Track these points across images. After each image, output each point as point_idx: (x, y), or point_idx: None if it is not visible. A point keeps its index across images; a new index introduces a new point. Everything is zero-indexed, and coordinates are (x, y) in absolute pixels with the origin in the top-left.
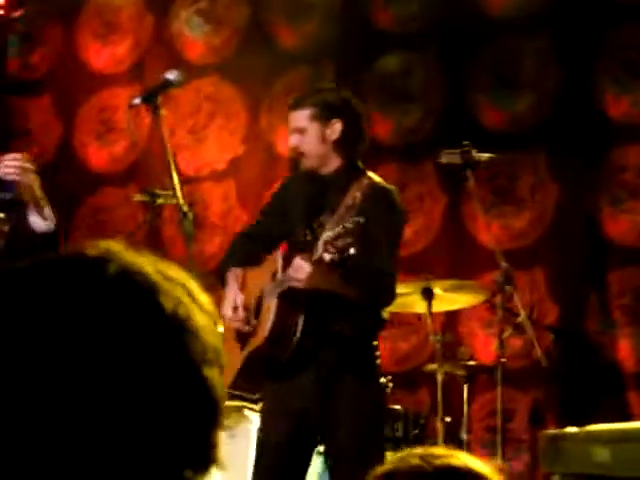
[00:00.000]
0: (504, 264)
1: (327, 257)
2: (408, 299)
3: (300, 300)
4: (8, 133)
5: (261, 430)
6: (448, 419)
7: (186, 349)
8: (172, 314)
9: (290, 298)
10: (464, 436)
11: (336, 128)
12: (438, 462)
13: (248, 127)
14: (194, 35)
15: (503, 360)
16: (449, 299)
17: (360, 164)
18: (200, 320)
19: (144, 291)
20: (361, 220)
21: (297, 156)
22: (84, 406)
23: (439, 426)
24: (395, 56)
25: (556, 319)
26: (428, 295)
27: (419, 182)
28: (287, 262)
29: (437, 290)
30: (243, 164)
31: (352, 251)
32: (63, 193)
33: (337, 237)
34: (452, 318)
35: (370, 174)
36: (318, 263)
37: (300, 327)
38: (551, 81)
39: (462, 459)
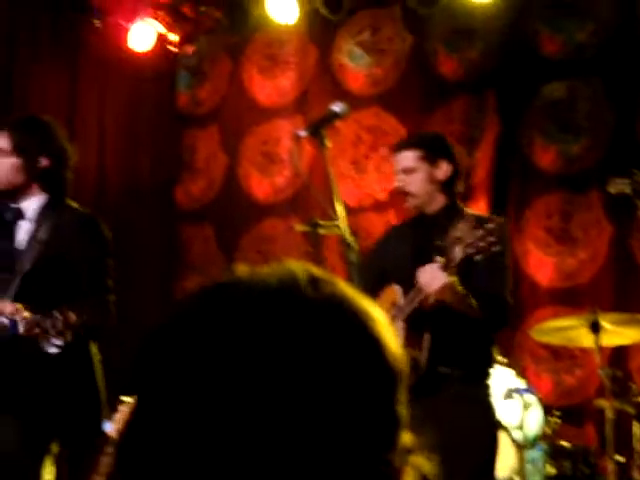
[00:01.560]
0: None
1: (473, 256)
2: (574, 332)
3: (427, 322)
4: (177, 165)
5: None
6: (621, 459)
7: (388, 379)
8: (381, 344)
9: (416, 321)
10: (637, 477)
11: (444, 169)
12: None
13: None
14: (356, 67)
15: None
16: (618, 333)
17: (459, 203)
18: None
19: (351, 317)
20: (498, 220)
21: (402, 196)
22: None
23: (610, 466)
24: (561, 84)
25: None
26: (596, 329)
27: (585, 211)
28: (407, 292)
29: (605, 324)
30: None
31: (495, 249)
32: (229, 224)
33: (479, 239)
34: (621, 352)
35: (469, 210)
36: (451, 270)
37: (427, 351)
38: None
39: None
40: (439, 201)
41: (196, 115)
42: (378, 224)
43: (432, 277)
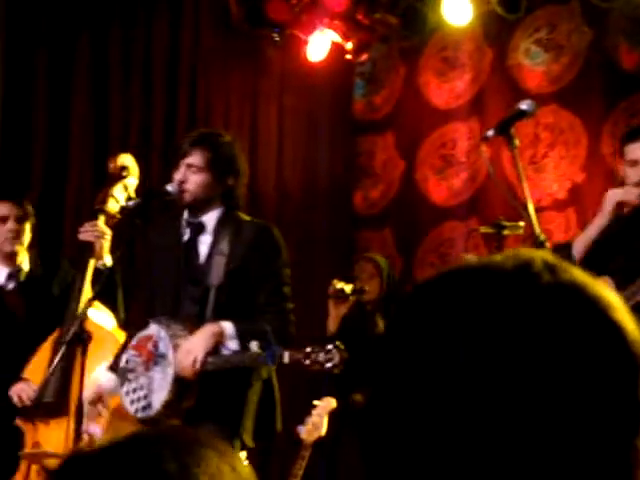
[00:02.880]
0: None
1: None
2: None
3: None
4: (355, 171)
5: None
6: None
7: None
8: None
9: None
10: None
11: None
12: None
13: (588, 154)
14: (533, 65)
15: None
16: None
17: None
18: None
19: (591, 303)
20: None
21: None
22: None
23: None
24: None
25: None
26: None
27: None
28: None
29: None
30: (584, 192)
31: None
32: (408, 228)
33: None
34: None
35: None
36: None
37: None
38: None
39: None
40: None
41: (372, 121)
42: (558, 223)
43: None
